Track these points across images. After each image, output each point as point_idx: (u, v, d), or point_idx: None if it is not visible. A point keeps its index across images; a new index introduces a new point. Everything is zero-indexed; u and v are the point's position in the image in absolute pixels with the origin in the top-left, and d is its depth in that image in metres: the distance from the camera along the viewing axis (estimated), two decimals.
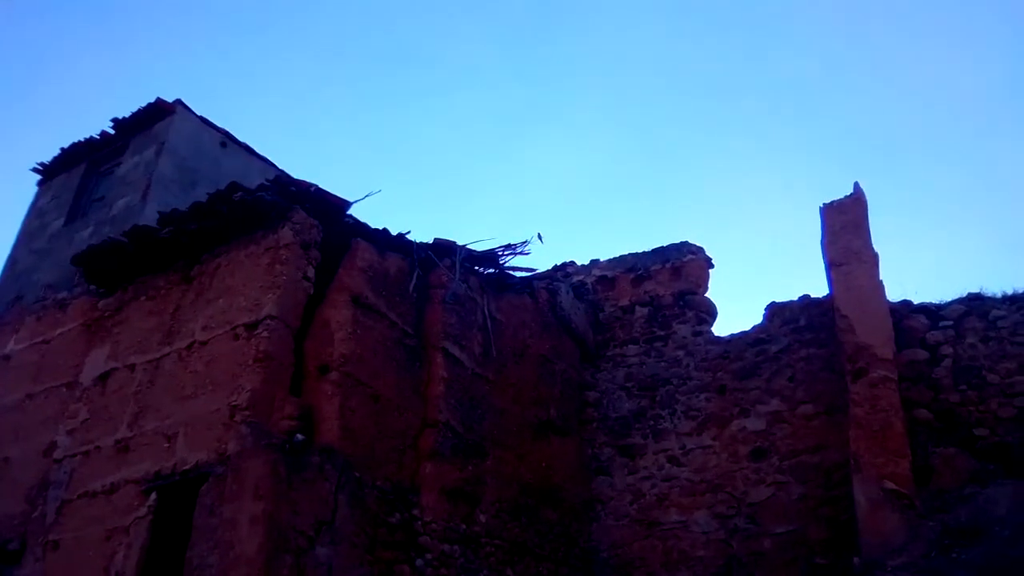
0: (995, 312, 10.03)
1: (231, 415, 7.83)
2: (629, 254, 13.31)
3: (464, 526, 9.33)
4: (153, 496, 8.01)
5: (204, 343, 8.69)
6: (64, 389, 9.90)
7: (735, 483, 10.79)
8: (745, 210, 34.45)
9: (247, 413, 7.76)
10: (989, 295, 10.28)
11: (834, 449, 10.06)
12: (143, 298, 9.73)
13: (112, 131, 12.51)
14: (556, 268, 13.49)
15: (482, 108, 39.05)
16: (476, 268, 10.97)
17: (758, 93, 35.41)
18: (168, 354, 8.95)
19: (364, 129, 39.29)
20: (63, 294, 11.02)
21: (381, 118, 39.68)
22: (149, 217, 10.37)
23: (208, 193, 9.40)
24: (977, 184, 31.64)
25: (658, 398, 11.81)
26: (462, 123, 38.94)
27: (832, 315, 10.36)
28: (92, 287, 10.45)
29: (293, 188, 9.10)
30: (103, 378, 9.44)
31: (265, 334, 8.18)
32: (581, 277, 13.32)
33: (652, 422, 11.72)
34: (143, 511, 7.98)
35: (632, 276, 13.05)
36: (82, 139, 12.80)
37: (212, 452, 7.76)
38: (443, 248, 10.39)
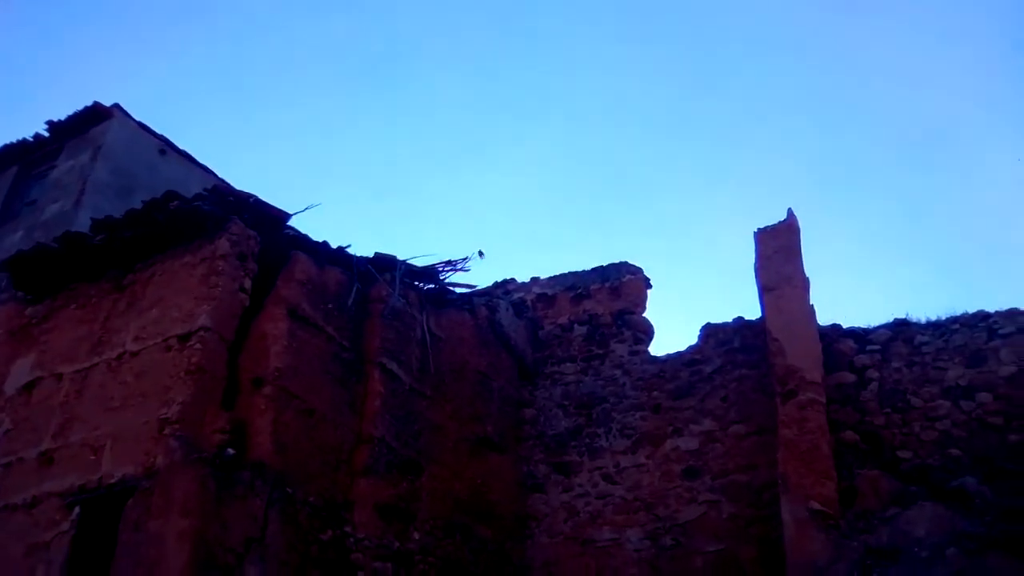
0: (919, 338, 10.32)
1: (160, 428, 7.69)
2: (569, 272, 13.38)
3: (397, 543, 9.26)
4: (76, 510, 7.80)
5: (135, 354, 8.51)
6: None
7: (668, 501, 10.86)
8: (683, 233, 35.06)
9: (177, 426, 7.62)
10: (914, 321, 10.56)
11: (764, 469, 10.21)
12: (73, 306, 9.48)
13: (46, 134, 12.24)
14: (496, 285, 13.49)
15: (429, 129, 39.14)
16: (416, 283, 10.95)
17: (698, 123, 36.27)
18: (97, 364, 8.74)
19: (308, 143, 38.88)
20: None
21: (328, 132, 39.36)
22: (82, 223, 10.14)
23: (144, 200, 9.24)
24: (905, 215, 32.69)
25: (594, 416, 11.86)
26: (410, 142, 38.88)
27: (765, 338, 10.55)
28: (20, 293, 10.14)
29: (231, 198, 9.00)
30: (28, 387, 9.17)
31: (198, 346, 8.06)
32: (521, 294, 13.34)
33: (588, 440, 11.76)
34: (65, 526, 7.76)
35: (572, 295, 13.11)
36: (14, 140, 12.50)
37: (139, 466, 7.60)
38: (383, 262, 10.36)
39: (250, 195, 9.07)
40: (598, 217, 35.45)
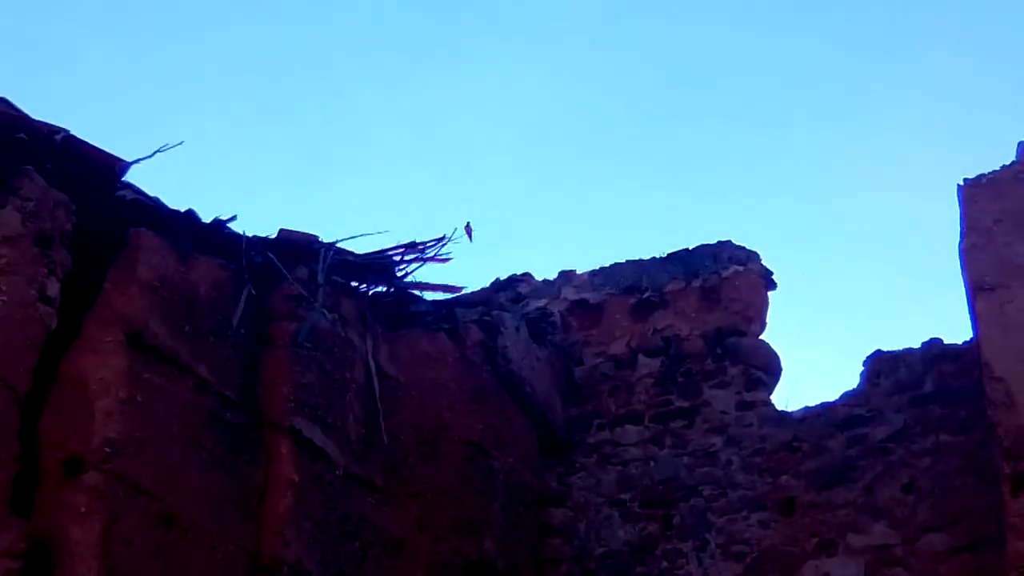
0: None
1: None
2: (627, 262, 13.49)
3: None
4: None
5: None
6: None
7: None
8: (823, 191, 34.90)
9: None
10: None
11: None
12: None
13: None
14: (498, 286, 13.56)
15: (367, 17, 38.98)
16: (355, 284, 11.02)
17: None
18: None
19: (163, 48, 38.97)
20: None
21: (195, 29, 39.41)
22: None
23: None
24: None
25: (676, 521, 11.88)
26: (338, 41, 38.84)
27: (978, 375, 10.50)
28: None
29: (24, 135, 8.96)
30: None
31: None
32: (543, 303, 13.41)
33: (667, 562, 11.79)
34: None
35: (632, 301, 13.19)
36: None
37: None
38: (295, 248, 10.37)
39: (59, 129, 9.04)
40: (676, 159, 35.29)
